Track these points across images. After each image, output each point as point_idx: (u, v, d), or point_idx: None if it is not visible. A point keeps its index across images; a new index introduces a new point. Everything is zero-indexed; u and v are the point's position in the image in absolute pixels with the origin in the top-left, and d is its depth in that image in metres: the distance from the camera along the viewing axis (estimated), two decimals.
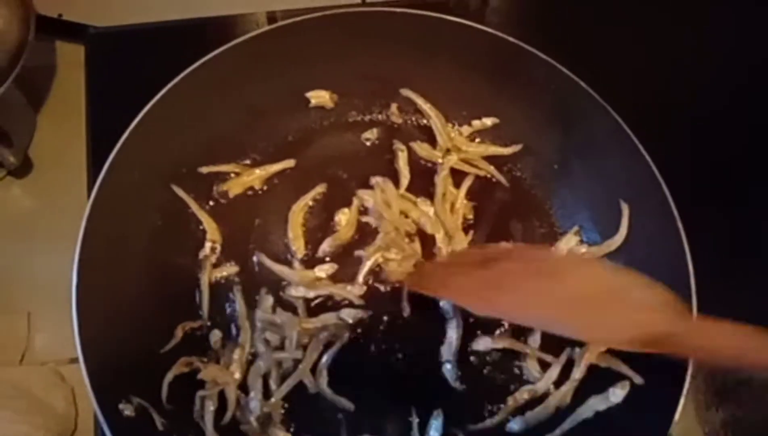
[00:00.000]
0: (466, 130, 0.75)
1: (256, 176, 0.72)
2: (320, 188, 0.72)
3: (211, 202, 0.71)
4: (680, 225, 0.62)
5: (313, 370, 0.64)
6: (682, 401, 0.56)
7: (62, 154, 0.80)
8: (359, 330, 0.66)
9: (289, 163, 0.73)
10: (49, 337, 0.72)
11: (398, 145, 0.73)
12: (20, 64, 0.71)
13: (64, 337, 0.67)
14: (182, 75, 0.64)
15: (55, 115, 0.83)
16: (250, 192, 0.72)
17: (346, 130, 0.75)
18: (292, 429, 0.63)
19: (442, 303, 0.66)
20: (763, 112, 0.86)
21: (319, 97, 0.73)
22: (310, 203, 0.71)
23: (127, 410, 0.56)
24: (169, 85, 0.64)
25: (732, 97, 0.86)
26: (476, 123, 0.74)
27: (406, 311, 0.67)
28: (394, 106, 0.76)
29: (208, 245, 0.69)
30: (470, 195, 0.73)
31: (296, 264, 0.69)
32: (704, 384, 0.70)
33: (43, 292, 0.73)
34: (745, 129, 0.85)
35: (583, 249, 0.70)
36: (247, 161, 0.73)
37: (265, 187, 0.72)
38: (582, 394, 0.64)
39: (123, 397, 0.56)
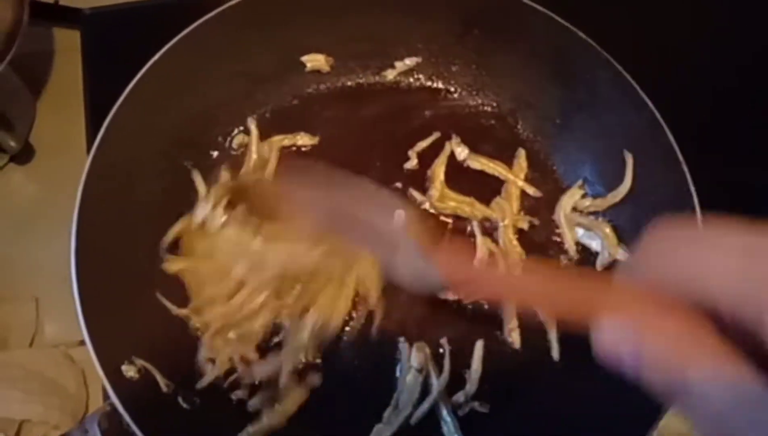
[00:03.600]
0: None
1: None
2: None
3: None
4: (687, 171, 0.61)
5: None
6: None
7: (63, 140, 0.80)
8: None
9: (307, 138, 0.72)
10: (58, 321, 0.72)
11: None
12: (15, 47, 0.71)
13: (73, 321, 0.67)
14: (174, 40, 0.64)
15: (54, 100, 0.83)
16: None
17: (343, 95, 0.74)
18: None
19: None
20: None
21: (315, 60, 0.72)
22: None
23: (131, 371, 0.55)
24: (162, 51, 0.63)
25: (736, 43, 0.84)
26: None
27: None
28: (390, 70, 0.75)
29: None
30: (473, 148, 0.72)
31: None
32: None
33: (50, 277, 0.73)
34: (750, 76, 0.83)
35: (587, 202, 0.69)
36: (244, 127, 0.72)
37: None
38: None
39: (125, 358, 0.56)
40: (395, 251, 0.53)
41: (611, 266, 0.67)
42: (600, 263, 0.68)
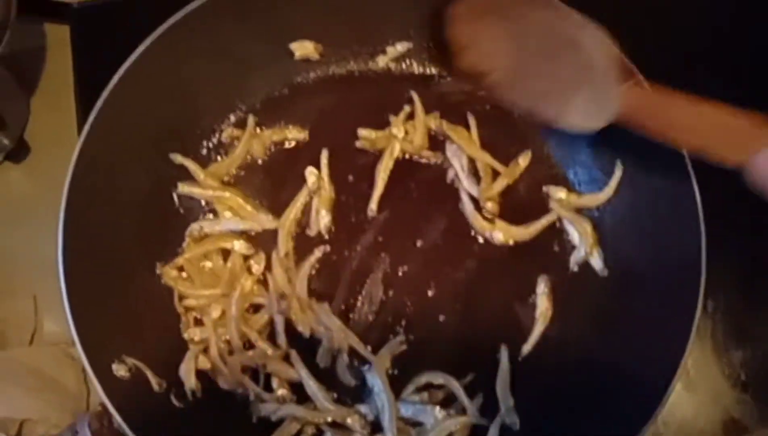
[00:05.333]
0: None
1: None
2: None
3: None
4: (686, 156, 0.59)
5: None
6: (694, 328, 0.54)
7: (58, 136, 0.79)
8: None
9: (298, 134, 0.71)
10: (57, 318, 0.72)
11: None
12: (3, 43, 0.70)
13: None
14: (159, 30, 0.62)
15: (47, 96, 0.82)
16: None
17: (334, 82, 0.73)
18: None
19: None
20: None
21: (304, 48, 0.71)
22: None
23: (121, 370, 0.55)
24: (147, 42, 0.62)
25: (733, 21, 0.82)
26: None
27: None
28: (381, 56, 0.73)
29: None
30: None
31: None
32: (722, 324, 0.68)
33: (48, 273, 0.72)
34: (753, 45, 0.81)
35: (574, 198, 0.68)
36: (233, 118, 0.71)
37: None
38: None
39: (116, 357, 0.55)
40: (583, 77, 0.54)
41: (584, 266, 0.67)
42: (574, 260, 0.67)
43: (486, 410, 0.61)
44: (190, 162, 0.68)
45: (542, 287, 0.65)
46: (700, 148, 0.51)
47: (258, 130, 0.71)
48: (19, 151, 0.79)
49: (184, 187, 0.68)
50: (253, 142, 0.69)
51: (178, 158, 0.68)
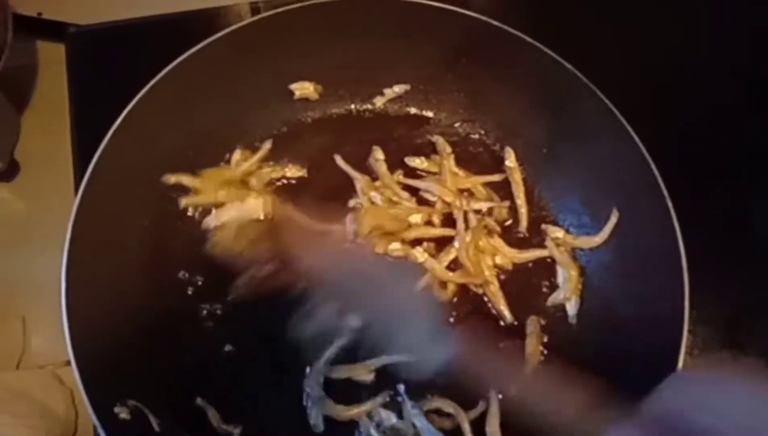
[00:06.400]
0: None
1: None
2: None
3: None
4: (671, 205, 0.62)
5: None
6: None
7: (49, 155, 0.79)
8: None
9: (297, 172, 0.73)
10: (45, 340, 0.72)
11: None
12: (0, 65, 0.70)
13: (61, 340, 0.67)
14: (165, 71, 0.63)
15: (39, 115, 0.82)
16: None
17: (332, 122, 0.74)
18: None
19: None
20: (757, 94, 0.85)
21: (304, 88, 0.72)
22: None
23: (123, 413, 0.56)
24: (153, 82, 0.63)
25: (724, 78, 0.85)
26: None
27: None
28: (379, 97, 0.75)
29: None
30: None
31: None
32: (700, 359, 0.69)
33: (37, 295, 0.73)
34: (739, 111, 0.84)
35: (570, 238, 0.71)
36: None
37: None
38: None
39: (118, 400, 0.56)
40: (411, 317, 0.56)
41: (558, 307, 0.69)
42: (552, 300, 0.69)
43: None
44: (183, 175, 0.69)
45: (531, 328, 0.67)
46: None
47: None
48: (9, 171, 0.78)
49: (187, 200, 0.69)
50: (252, 179, 0.71)
51: (171, 179, 0.68)
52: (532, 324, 0.67)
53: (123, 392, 0.56)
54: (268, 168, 0.72)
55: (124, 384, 0.57)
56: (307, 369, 0.64)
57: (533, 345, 0.66)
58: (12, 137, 0.80)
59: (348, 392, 0.64)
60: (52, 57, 0.83)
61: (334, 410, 0.63)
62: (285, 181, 0.72)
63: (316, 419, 0.63)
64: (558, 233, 0.71)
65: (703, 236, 0.63)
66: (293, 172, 0.72)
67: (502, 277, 0.70)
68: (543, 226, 0.72)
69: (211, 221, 0.69)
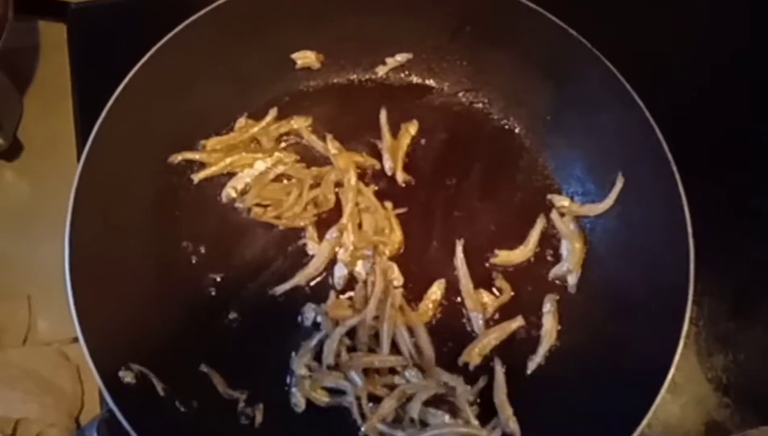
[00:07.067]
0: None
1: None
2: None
3: None
4: (677, 173, 0.61)
5: None
6: (680, 345, 0.56)
7: (52, 135, 0.79)
8: None
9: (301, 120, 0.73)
10: (51, 318, 0.72)
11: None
12: (0, 43, 0.70)
13: (66, 317, 0.67)
14: (164, 40, 0.63)
15: (41, 95, 0.82)
16: None
17: (334, 91, 0.74)
18: None
19: None
20: (759, 58, 0.84)
21: (306, 57, 0.72)
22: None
23: (128, 377, 0.56)
24: (152, 51, 0.63)
25: (729, 44, 0.84)
26: None
27: None
28: (381, 66, 0.75)
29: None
30: (464, 145, 0.73)
31: None
32: (706, 329, 0.70)
33: (42, 274, 0.73)
34: (744, 78, 0.83)
35: (575, 207, 0.70)
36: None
37: None
38: None
39: (122, 364, 0.56)
40: None
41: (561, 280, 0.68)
42: (554, 273, 0.69)
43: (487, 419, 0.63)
44: (188, 152, 0.69)
45: (548, 306, 0.67)
46: None
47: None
48: (12, 150, 0.78)
49: (200, 175, 0.69)
50: (262, 136, 0.71)
51: (177, 158, 0.69)
52: (550, 302, 0.67)
53: (127, 356, 0.57)
54: (275, 124, 0.72)
55: (129, 349, 0.57)
56: (293, 354, 0.64)
57: (550, 323, 0.66)
58: (15, 117, 0.80)
59: None
60: (54, 38, 0.83)
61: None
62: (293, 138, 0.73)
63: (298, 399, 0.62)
64: (563, 201, 0.70)
65: (709, 208, 0.62)
66: (300, 123, 0.72)
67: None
68: (548, 196, 0.71)
69: (230, 192, 0.69)
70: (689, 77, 0.81)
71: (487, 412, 0.62)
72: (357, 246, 0.67)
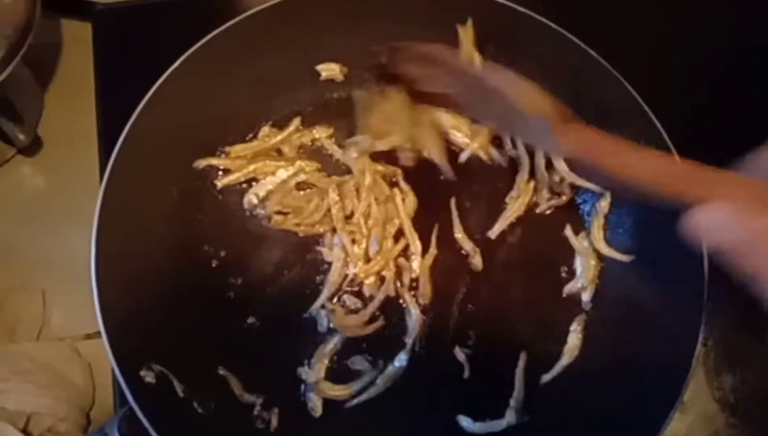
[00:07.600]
0: None
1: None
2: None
3: None
4: None
5: None
6: (693, 363, 0.58)
7: (72, 132, 0.80)
8: None
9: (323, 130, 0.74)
10: (64, 314, 0.73)
11: None
12: (28, 42, 0.70)
13: (79, 314, 0.69)
14: (193, 49, 0.64)
15: (63, 92, 0.83)
16: None
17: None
18: None
19: None
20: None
21: (330, 69, 0.73)
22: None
23: (148, 376, 0.57)
24: (180, 60, 0.64)
25: (748, 67, 0.85)
26: None
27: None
28: None
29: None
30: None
31: None
32: (714, 349, 0.71)
33: (57, 269, 0.74)
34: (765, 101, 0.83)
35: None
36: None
37: None
38: None
39: (144, 364, 0.57)
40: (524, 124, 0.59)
41: (575, 297, 0.69)
42: (568, 289, 0.70)
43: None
44: (213, 158, 0.70)
45: (575, 326, 0.68)
46: (638, 184, 0.51)
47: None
48: (32, 146, 0.79)
49: (223, 181, 0.70)
50: (284, 145, 0.73)
51: (202, 163, 0.70)
52: (578, 322, 0.68)
53: (148, 356, 0.57)
54: (297, 133, 0.73)
55: (150, 349, 0.58)
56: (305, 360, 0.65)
57: (574, 342, 0.67)
58: (36, 113, 0.80)
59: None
60: (78, 35, 0.84)
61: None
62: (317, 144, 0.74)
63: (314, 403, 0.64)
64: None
65: None
66: (321, 133, 0.73)
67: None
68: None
69: (252, 199, 0.70)
70: (690, 77, 0.82)
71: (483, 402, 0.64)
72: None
